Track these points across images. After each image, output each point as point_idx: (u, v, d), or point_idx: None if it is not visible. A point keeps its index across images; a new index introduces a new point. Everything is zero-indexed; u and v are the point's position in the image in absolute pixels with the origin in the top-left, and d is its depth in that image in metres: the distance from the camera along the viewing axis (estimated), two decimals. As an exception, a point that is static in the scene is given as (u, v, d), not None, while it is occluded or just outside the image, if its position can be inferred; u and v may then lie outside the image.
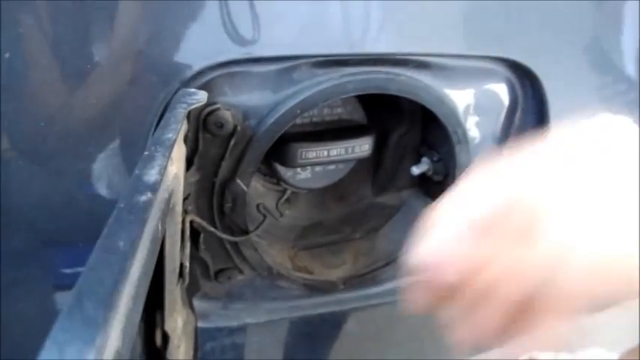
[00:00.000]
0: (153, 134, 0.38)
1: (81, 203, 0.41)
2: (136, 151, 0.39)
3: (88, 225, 0.42)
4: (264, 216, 0.53)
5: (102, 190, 0.41)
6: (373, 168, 0.57)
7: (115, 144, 0.39)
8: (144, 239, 0.18)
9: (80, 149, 0.39)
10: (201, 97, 0.32)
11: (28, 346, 0.52)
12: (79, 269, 0.45)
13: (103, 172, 0.40)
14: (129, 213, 0.18)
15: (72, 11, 0.35)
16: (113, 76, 0.37)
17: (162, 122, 0.27)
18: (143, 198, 0.19)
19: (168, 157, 0.23)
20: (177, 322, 0.37)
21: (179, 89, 0.37)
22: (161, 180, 0.20)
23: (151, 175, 0.21)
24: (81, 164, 0.40)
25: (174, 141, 0.25)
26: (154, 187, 0.20)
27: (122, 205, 0.19)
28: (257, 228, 0.50)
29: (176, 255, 0.31)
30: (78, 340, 0.13)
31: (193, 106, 0.30)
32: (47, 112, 0.37)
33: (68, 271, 0.46)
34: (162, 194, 0.19)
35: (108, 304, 0.14)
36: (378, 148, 0.55)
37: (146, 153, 0.23)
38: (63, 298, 0.47)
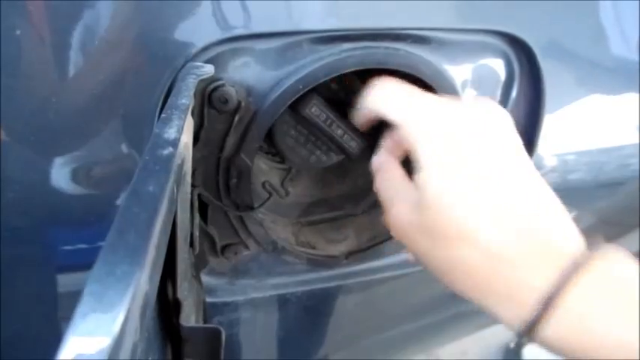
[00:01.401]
0: (160, 109, 0.39)
1: (83, 181, 0.42)
2: (142, 126, 0.40)
3: (91, 203, 0.43)
4: (270, 193, 0.54)
5: (106, 166, 0.42)
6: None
7: (121, 120, 0.40)
8: (168, 188, 0.19)
9: (84, 126, 0.40)
10: (209, 69, 0.33)
11: (28, 324, 0.54)
12: (81, 246, 0.47)
13: (108, 148, 0.41)
14: (154, 164, 0.19)
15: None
16: (118, 53, 0.38)
17: (173, 91, 0.28)
18: (165, 152, 0.20)
19: (184, 119, 0.24)
20: (187, 292, 0.38)
21: (184, 65, 0.38)
22: (179, 138, 0.21)
23: (171, 134, 0.22)
24: (85, 141, 0.41)
25: (189, 106, 0.26)
26: (174, 143, 0.21)
27: (147, 158, 0.20)
28: (263, 204, 0.51)
29: (187, 223, 0.32)
30: (124, 263, 0.14)
31: (202, 77, 0.31)
32: (49, 90, 0.38)
33: (69, 248, 0.47)
34: (176, 159, 0.20)
35: (146, 236, 0.15)
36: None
37: (163, 115, 0.24)
38: (63, 278, 0.49)
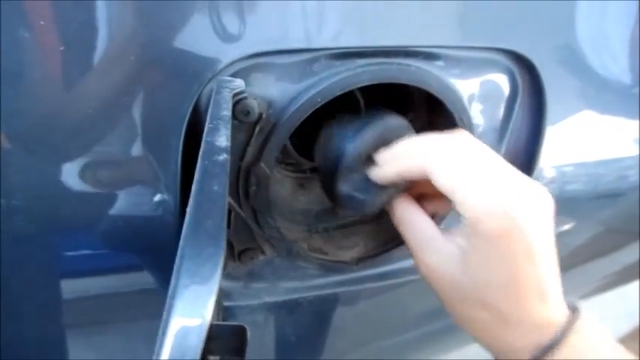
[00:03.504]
0: (188, 120, 0.41)
1: (99, 186, 0.44)
2: (168, 135, 0.42)
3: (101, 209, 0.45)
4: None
5: (123, 173, 0.44)
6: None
7: (146, 130, 0.42)
8: (227, 187, 0.21)
9: (111, 136, 0.42)
10: (240, 83, 0.36)
11: (29, 327, 0.55)
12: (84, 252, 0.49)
13: (128, 156, 0.44)
14: (213, 167, 0.22)
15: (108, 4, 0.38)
16: (149, 68, 0.40)
17: (212, 103, 0.31)
18: (220, 157, 0.22)
19: (229, 129, 0.26)
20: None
21: (210, 80, 0.41)
22: (229, 145, 0.24)
23: (222, 142, 0.24)
24: (113, 150, 0.43)
25: (230, 117, 0.28)
26: (227, 150, 0.23)
27: (206, 162, 0.22)
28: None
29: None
30: (209, 246, 0.16)
31: (235, 91, 0.34)
32: (75, 102, 0.40)
33: (71, 254, 0.49)
34: (229, 163, 0.23)
35: (220, 226, 0.18)
36: None
37: (210, 125, 0.27)
38: (65, 284, 0.51)
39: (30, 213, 0.44)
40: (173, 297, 0.17)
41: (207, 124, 0.27)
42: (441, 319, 0.75)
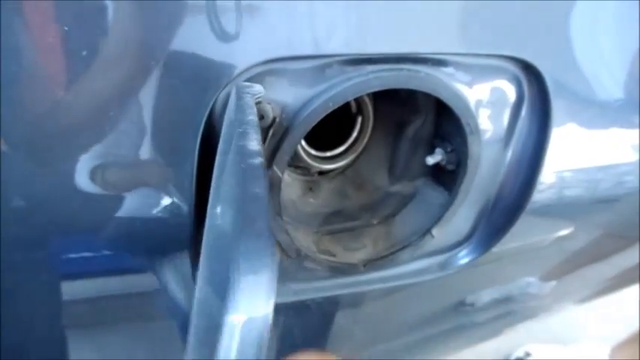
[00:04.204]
0: (205, 122, 0.42)
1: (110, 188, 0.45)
2: (183, 138, 0.43)
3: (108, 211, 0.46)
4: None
5: (130, 175, 0.45)
6: (389, 159, 0.62)
7: (168, 134, 0.43)
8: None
9: (133, 140, 0.43)
10: (260, 89, 0.37)
11: (30, 329, 0.56)
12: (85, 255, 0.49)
13: (152, 161, 0.44)
14: (252, 170, 0.23)
15: (129, 11, 0.39)
16: (168, 74, 0.41)
17: (235, 108, 0.32)
18: (256, 161, 0.23)
19: (259, 133, 0.27)
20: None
21: (226, 85, 0.42)
22: (262, 150, 0.25)
23: (254, 146, 0.25)
24: (132, 153, 0.44)
25: (257, 122, 0.29)
26: (260, 153, 0.24)
27: (243, 166, 0.23)
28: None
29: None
30: (263, 245, 0.17)
31: (257, 96, 0.35)
32: (92, 103, 0.41)
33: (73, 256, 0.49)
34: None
35: (268, 226, 0.19)
36: (394, 140, 0.59)
37: (240, 130, 0.28)
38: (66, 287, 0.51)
39: (48, 214, 0.45)
40: (234, 293, 0.18)
41: (236, 129, 0.27)
42: (447, 320, 0.76)
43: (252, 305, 0.18)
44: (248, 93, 0.35)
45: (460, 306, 0.83)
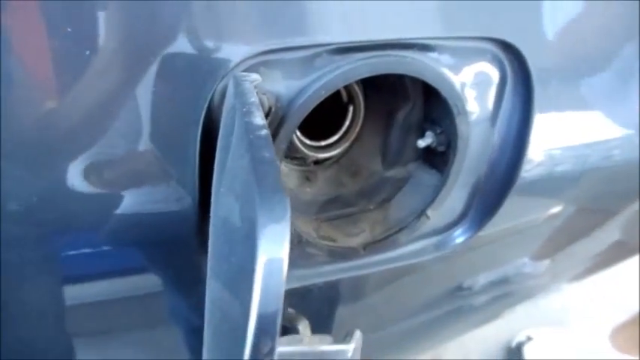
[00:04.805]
0: (205, 114, 0.44)
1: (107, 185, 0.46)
2: (183, 130, 0.45)
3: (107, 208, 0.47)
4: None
5: (132, 169, 0.47)
6: (382, 145, 0.64)
7: (169, 127, 0.45)
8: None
9: (134, 134, 0.45)
10: (256, 77, 0.39)
11: (31, 327, 0.57)
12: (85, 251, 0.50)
13: (154, 154, 0.46)
14: (258, 140, 0.25)
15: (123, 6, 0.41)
16: (167, 67, 0.43)
17: (235, 94, 0.34)
18: (263, 132, 0.25)
19: (262, 112, 0.29)
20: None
21: (224, 77, 0.44)
22: (266, 124, 0.27)
23: (259, 121, 0.27)
24: (134, 147, 0.45)
25: (259, 103, 0.31)
26: (265, 127, 0.26)
27: (251, 137, 0.25)
28: None
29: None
30: (277, 194, 0.19)
31: (254, 83, 0.37)
32: (89, 98, 0.42)
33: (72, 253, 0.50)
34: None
35: (280, 181, 0.21)
36: (386, 127, 0.61)
37: (244, 109, 0.30)
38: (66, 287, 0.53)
39: (50, 212, 0.46)
40: (256, 238, 0.20)
41: (238, 111, 0.29)
42: (446, 304, 0.78)
43: (274, 248, 0.20)
44: (246, 80, 0.37)
45: (458, 290, 0.85)
